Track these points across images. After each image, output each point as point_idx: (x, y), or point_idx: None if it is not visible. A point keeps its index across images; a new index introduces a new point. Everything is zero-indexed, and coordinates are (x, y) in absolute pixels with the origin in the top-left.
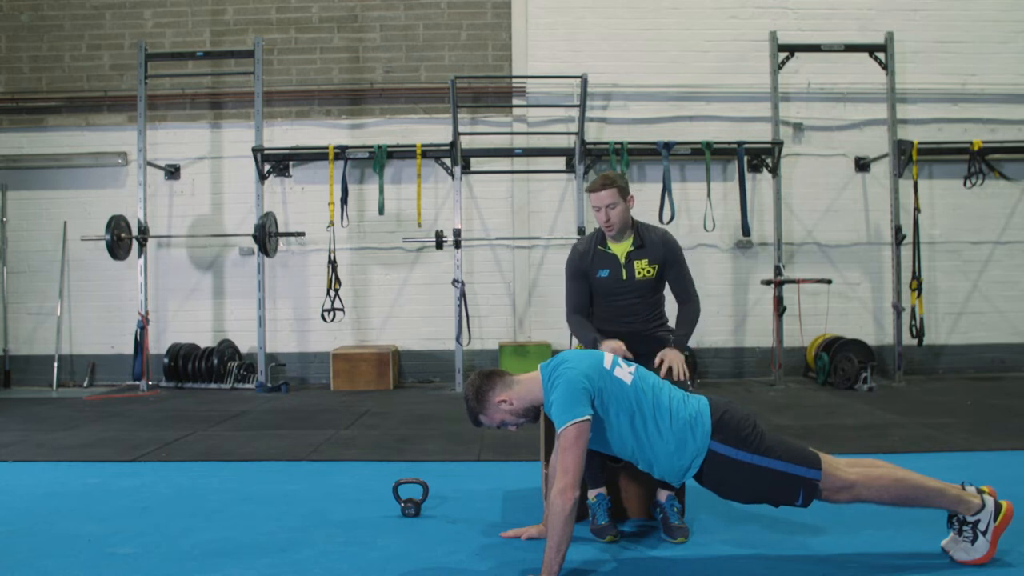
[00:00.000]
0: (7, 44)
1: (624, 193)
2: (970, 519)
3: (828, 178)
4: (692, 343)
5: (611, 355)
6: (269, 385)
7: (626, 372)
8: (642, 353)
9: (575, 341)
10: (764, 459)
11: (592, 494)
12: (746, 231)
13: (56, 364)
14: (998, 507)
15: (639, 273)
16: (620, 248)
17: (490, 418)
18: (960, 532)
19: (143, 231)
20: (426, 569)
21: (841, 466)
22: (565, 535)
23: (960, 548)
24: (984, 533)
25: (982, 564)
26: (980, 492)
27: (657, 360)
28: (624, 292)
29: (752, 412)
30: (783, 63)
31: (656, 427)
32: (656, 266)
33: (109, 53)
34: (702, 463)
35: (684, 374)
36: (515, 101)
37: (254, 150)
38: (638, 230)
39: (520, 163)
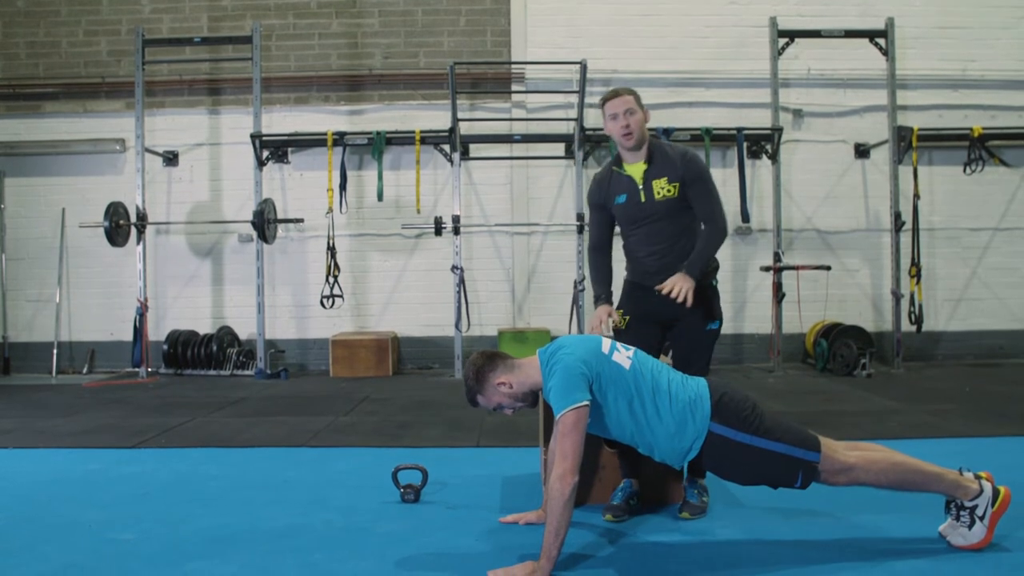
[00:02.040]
0: (3, 30)
1: (640, 103)
2: (968, 504)
3: (828, 164)
4: None
5: (609, 340)
6: (268, 371)
7: (624, 357)
8: (674, 317)
9: (575, 329)
10: (764, 441)
11: (622, 481)
12: (745, 217)
13: (55, 351)
14: (996, 492)
15: (659, 193)
16: (636, 169)
17: (488, 399)
18: (958, 517)
19: (141, 218)
20: (425, 554)
21: (840, 449)
22: (564, 520)
23: (958, 533)
24: (981, 518)
25: (979, 549)
26: (978, 478)
27: (661, 285)
28: (646, 217)
29: (751, 395)
30: (783, 49)
31: (656, 410)
32: (676, 184)
33: (106, 39)
34: (702, 445)
35: (686, 299)
36: (514, 87)
37: (252, 136)
38: (652, 147)
39: (519, 149)
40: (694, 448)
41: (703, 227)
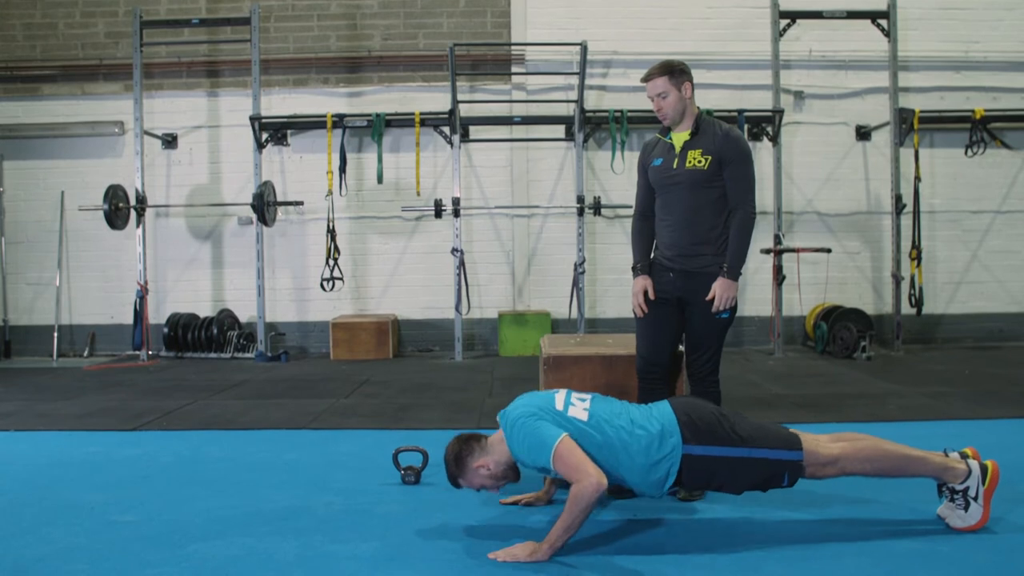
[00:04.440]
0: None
1: (678, 81)
2: (959, 487)
3: (829, 147)
4: None
5: (563, 393)
6: (269, 354)
7: (581, 409)
8: (685, 298)
9: (575, 312)
10: (744, 450)
11: None
12: None
13: (56, 334)
14: (984, 469)
15: (689, 162)
16: (679, 138)
17: (469, 482)
18: (952, 500)
19: (141, 201)
20: (426, 536)
21: (823, 442)
22: (580, 521)
23: (955, 516)
24: (975, 498)
25: (978, 529)
26: (964, 457)
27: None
28: (672, 184)
29: (716, 406)
30: (784, 30)
31: (626, 452)
32: (709, 158)
33: (104, 20)
34: (680, 469)
35: (725, 304)
36: (514, 69)
37: (252, 119)
38: (699, 120)
39: (519, 131)
40: (671, 474)
41: (732, 215)
